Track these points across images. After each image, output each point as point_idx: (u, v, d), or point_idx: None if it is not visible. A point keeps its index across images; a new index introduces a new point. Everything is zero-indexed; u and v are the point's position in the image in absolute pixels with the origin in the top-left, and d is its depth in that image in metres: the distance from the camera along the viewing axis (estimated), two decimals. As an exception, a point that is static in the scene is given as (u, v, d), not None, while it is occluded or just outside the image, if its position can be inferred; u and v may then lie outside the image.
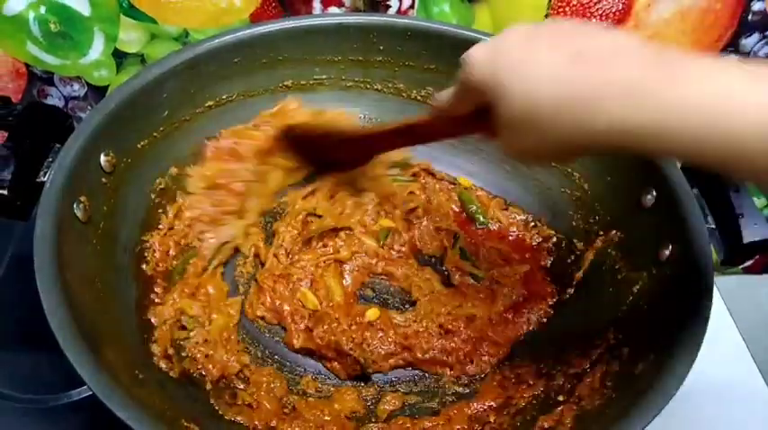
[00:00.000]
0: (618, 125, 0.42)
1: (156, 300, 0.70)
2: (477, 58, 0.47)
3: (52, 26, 0.89)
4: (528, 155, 0.51)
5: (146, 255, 0.71)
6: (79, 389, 0.71)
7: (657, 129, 0.41)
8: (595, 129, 0.43)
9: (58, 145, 0.64)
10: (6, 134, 0.63)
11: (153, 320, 0.67)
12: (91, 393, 0.66)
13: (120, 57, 0.93)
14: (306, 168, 0.79)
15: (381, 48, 0.82)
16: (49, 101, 0.97)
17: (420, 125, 0.63)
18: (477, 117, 0.52)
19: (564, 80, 0.43)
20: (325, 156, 0.77)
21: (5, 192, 0.59)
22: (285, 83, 0.83)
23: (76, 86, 0.96)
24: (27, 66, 0.93)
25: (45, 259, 0.55)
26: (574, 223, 0.78)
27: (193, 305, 0.70)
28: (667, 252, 0.64)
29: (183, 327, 0.68)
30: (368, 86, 0.86)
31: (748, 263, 1.15)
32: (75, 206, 0.61)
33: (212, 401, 0.64)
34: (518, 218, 0.83)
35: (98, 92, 0.96)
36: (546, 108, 0.44)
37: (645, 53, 0.43)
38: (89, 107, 0.98)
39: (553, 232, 0.80)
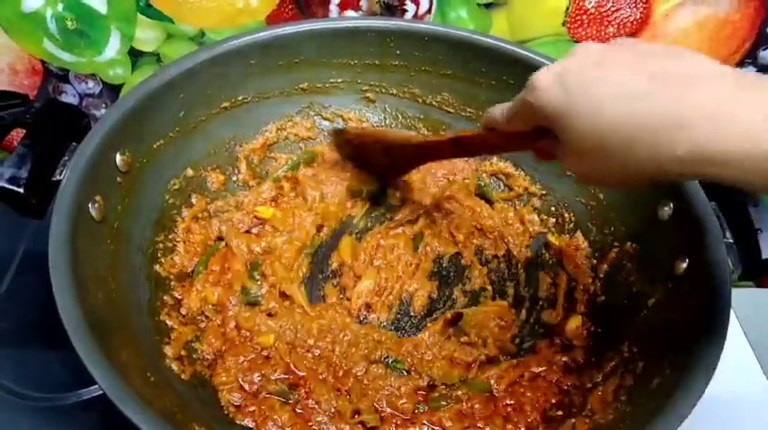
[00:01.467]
0: (699, 151, 0.39)
1: (177, 295, 0.71)
2: (546, 83, 0.45)
3: (69, 23, 0.89)
4: (595, 179, 0.50)
5: (159, 255, 0.71)
6: (89, 389, 0.71)
7: (743, 156, 0.38)
8: (674, 155, 0.40)
9: (74, 143, 0.64)
10: (23, 131, 0.63)
11: (168, 322, 0.68)
12: (101, 393, 0.67)
13: (135, 55, 0.93)
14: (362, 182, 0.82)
15: (398, 52, 0.82)
16: (64, 98, 0.97)
17: (474, 138, 0.63)
18: (536, 135, 0.51)
19: (642, 103, 0.41)
20: (377, 161, 0.78)
21: (22, 190, 0.59)
22: (301, 85, 0.83)
23: (91, 84, 0.96)
24: (43, 63, 0.93)
25: (60, 258, 0.55)
26: (591, 236, 0.78)
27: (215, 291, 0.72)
28: (684, 266, 0.63)
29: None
30: (383, 91, 0.85)
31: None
32: (90, 205, 0.61)
33: (223, 404, 0.64)
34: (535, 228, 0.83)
35: (113, 90, 0.96)
36: (621, 134, 0.42)
37: (728, 76, 0.41)
38: (103, 105, 0.98)
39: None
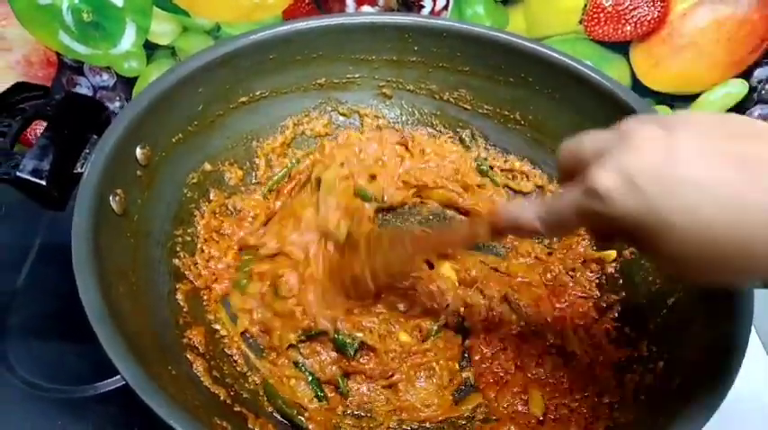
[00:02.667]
0: None
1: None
2: (617, 190, 0.39)
3: (85, 15, 0.89)
4: (687, 276, 0.44)
5: (178, 249, 0.71)
6: (106, 381, 0.71)
7: None
8: None
9: (95, 136, 0.64)
10: (44, 124, 0.63)
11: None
12: (118, 385, 0.67)
13: (150, 48, 0.93)
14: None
15: (416, 48, 0.81)
16: (78, 90, 0.97)
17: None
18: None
19: (740, 198, 0.36)
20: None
21: (44, 182, 0.59)
22: (318, 80, 0.83)
23: (106, 76, 0.96)
24: (58, 55, 0.93)
25: (83, 251, 0.55)
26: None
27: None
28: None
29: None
30: (400, 86, 0.85)
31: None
32: (111, 198, 0.61)
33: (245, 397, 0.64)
34: None
35: (127, 83, 0.96)
36: (727, 236, 0.36)
37: None
38: (117, 98, 0.98)
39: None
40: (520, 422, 0.65)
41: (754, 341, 0.85)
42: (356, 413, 0.67)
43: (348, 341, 0.69)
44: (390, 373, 0.69)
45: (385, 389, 0.69)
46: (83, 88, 0.97)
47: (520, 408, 0.66)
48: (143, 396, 0.48)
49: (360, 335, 0.70)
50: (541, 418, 0.65)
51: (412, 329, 0.72)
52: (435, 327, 0.72)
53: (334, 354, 0.70)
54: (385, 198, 0.83)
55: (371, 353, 0.70)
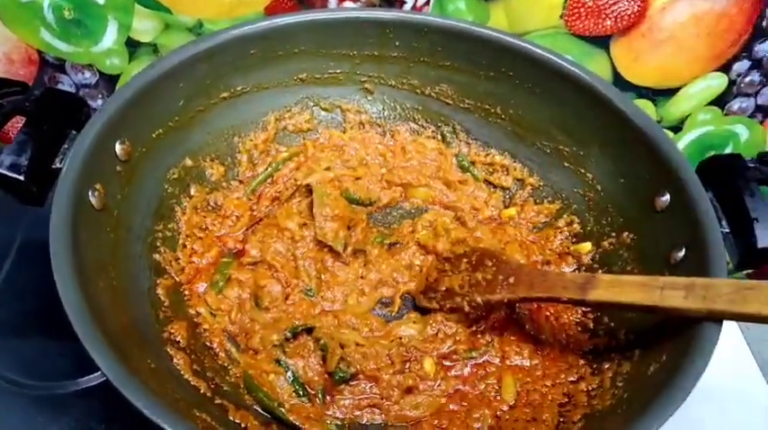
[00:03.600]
0: None
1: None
2: None
3: (66, 13, 0.88)
4: None
5: (158, 244, 0.71)
6: (87, 377, 0.71)
7: None
8: None
9: (74, 131, 0.64)
10: (23, 120, 0.63)
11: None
12: (100, 381, 0.67)
13: (132, 46, 0.92)
14: None
15: (397, 43, 0.82)
16: (60, 88, 0.96)
17: None
18: None
19: None
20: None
21: (22, 177, 0.59)
22: (300, 76, 0.83)
23: (88, 74, 0.95)
24: (39, 52, 0.93)
25: (61, 245, 0.55)
26: (588, 226, 0.78)
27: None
28: (680, 255, 0.64)
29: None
30: (382, 82, 0.86)
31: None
32: (90, 193, 0.61)
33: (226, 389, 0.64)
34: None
35: (109, 80, 0.96)
36: None
37: None
38: (100, 95, 0.98)
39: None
40: (493, 405, 0.66)
41: (736, 334, 0.87)
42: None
43: (342, 368, 0.67)
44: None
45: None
46: (65, 86, 0.97)
47: (493, 394, 0.67)
48: (121, 389, 0.48)
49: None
50: (512, 404, 0.66)
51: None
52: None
53: (316, 362, 0.69)
54: (373, 200, 0.84)
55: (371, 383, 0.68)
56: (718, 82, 0.95)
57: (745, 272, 0.79)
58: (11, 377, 0.72)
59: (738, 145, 1.02)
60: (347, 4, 0.88)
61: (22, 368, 0.73)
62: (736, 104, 0.97)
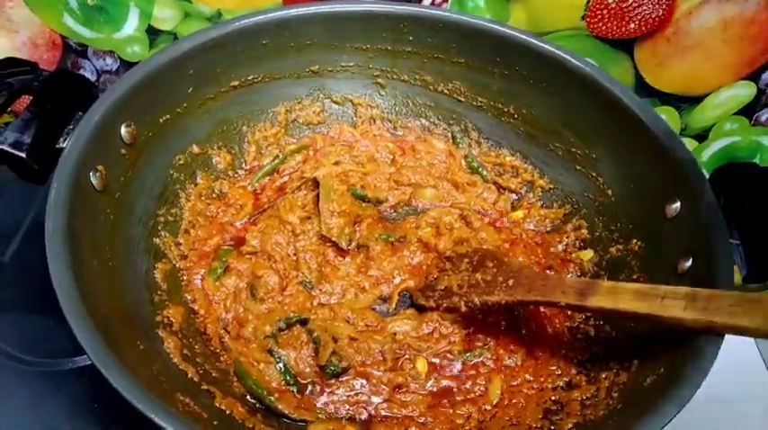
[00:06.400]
0: None
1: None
2: None
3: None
4: None
5: (159, 229, 0.72)
6: (84, 356, 0.72)
7: None
8: None
9: (80, 113, 0.65)
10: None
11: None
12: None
13: (153, 34, 0.93)
14: None
15: (411, 38, 0.81)
16: (82, 73, 0.98)
17: None
18: None
19: None
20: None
21: (24, 154, 0.60)
22: (312, 68, 0.83)
23: (109, 60, 0.97)
24: (63, 37, 0.94)
25: (57, 225, 0.56)
26: (597, 231, 0.76)
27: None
28: (687, 265, 0.62)
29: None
30: (395, 77, 0.85)
31: None
32: (91, 174, 0.62)
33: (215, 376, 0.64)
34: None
35: (130, 67, 0.96)
36: None
37: None
38: (120, 82, 0.99)
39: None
40: (477, 404, 0.65)
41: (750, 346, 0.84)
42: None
43: (334, 362, 0.67)
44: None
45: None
46: (87, 71, 0.98)
47: (479, 393, 0.66)
48: (100, 367, 0.49)
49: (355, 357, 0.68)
50: (495, 403, 0.65)
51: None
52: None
53: (308, 355, 0.69)
54: (380, 199, 0.83)
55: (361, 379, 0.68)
56: (746, 91, 0.92)
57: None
58: (11, 352, 0.73)
59: (765, 156, 0.99)
60: (364, -2, 0.87)
61: (23, 344, 0.74)
62: (764, 115, 0.94)
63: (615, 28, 0.88)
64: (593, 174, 0.77)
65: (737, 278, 0.60)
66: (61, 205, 0.57)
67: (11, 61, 0.65)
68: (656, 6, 0.85)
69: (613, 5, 0.85)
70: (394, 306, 0.74)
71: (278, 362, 0.67)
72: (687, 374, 0.51)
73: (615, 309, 0.57)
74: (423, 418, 0.64)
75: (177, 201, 0.75)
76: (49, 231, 0.55)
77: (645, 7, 0.85)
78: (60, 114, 0.64)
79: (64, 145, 0.62)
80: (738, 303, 0.51)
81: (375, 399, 0.65)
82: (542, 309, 0.71)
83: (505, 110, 0.82)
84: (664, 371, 0.54)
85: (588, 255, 0.74)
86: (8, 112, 0.65)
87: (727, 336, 0.52)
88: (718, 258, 0.58)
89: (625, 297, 0.57)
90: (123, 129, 0.66)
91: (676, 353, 0.54)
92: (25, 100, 0.65)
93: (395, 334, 0.69)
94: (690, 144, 0.97)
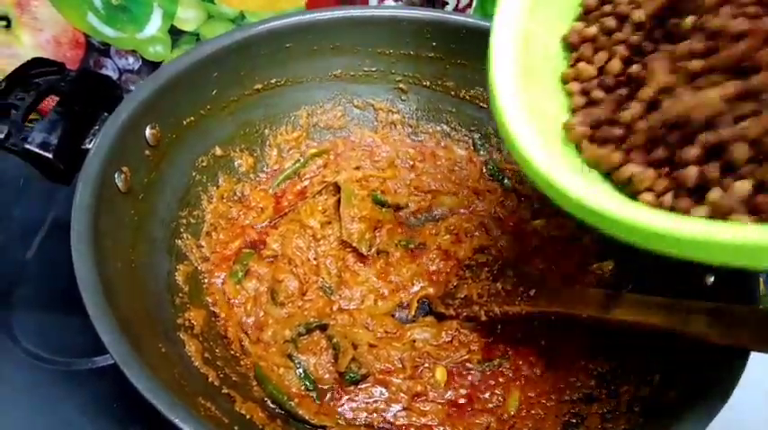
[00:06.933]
0: None
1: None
2: None
3: (113, -1, 0.90)
4: None
5: (182, 230, 0.72)
6: (104, 356, 0.72)
7: None
8: None
9: (106, 114, 0.65)
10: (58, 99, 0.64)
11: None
12: (113, 361, 0.68)
13: (176, 34, 0.94)
14: None
15: (434, 44, 0.81)
16: (104, 72, 0.98)
17: None
18: None
19: None
20: None
21: (51, 155, 0.60)
22: (334, 72, 0.83)
23: (131, 60, 0.97)
24: (86, 36, 0.95)
25: (82, 225, 0.56)
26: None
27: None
28: (711, 280, 0.61)
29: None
30: (417, 82, 0.85)
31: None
32: (116, 176, 0.62)
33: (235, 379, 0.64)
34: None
35: (152, 67, 0.98)
36: None
37: None
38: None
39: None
40: (495, 414, 0.65)
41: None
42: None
43: (353, 369, 0.67)
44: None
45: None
46: (109, 70, 0.99)
47: (496, 403, 0.66)
48: (124, 367, 0.49)
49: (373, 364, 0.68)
50: (513, 413, 0.65)
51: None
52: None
53: (328, 361, 0.69)
54: (401, 205, 0.83)
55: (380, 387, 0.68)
56: None
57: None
58: (32, 350, 0.74)
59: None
60: (388, 2, 0.87)
61: (44, 343, 0.74)
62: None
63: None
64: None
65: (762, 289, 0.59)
66: (86, 206, 0.57)
67: (38, 61, 0.66)
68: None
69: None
70: (413, 313, 0.74)
71: (297, 368, 0.67)
72: (710, 391, 0.51)
73: (639, 322, 0.57)
74: (441, 427, 0.64)
75: (199, 203, 0.75)
76: (75, 232, 0.55)
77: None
78: (86, 115, 0.64)
79: (89, 146, 0.63)
80: (764, 321, 0.50)
81: (394, 407, 0.65)
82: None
83: (528, 117, 0.82)
84: (687, 386, 0.54)
85: (609, 265, 0.74)
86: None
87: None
88: (743, 275, 0.58)
89: (649, 310, 0.56)
90: (148, 131, 0.67)
91: (700, 367, 0.54)
92: (51, 100, 0.66)
93: (414, 341, 0.69)
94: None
